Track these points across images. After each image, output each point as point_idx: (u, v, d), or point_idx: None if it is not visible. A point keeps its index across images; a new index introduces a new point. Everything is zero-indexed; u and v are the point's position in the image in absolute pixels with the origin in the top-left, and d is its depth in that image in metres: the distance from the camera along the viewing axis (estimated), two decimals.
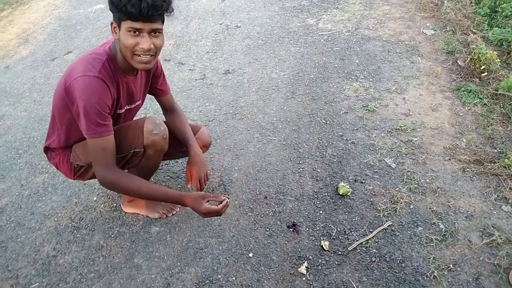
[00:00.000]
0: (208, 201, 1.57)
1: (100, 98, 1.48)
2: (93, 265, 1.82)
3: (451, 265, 1.64)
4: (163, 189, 1.67)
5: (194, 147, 1.86)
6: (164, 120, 1.97)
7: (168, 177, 2.22)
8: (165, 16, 1.48)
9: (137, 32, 1.44)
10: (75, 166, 1.77)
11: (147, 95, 1.88)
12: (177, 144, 1.92)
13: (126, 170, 1.82)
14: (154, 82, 1.84)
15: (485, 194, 1.91)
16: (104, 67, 1.52)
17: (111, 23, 1.48)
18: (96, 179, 1.71)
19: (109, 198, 2.15)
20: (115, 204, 2.10)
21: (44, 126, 2.78)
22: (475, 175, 2.00)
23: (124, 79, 1.62)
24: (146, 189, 1.58)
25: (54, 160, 1.80)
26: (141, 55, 1.49)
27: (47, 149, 1.81)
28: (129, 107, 1.75)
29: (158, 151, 1.74)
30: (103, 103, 1.50)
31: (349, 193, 1.98)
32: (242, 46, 3.35)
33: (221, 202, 1.57)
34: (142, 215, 2.01)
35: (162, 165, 2.28)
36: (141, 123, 1.68)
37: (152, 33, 1.46)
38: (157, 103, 1.97)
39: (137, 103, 1.79)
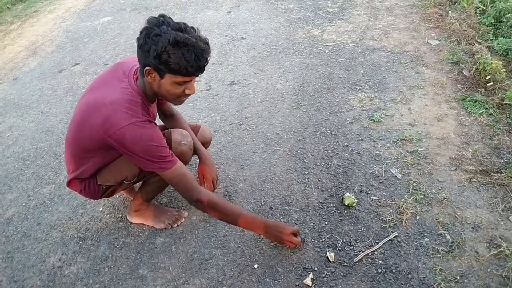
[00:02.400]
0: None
1: (158, 137, 1.52)
2: (98, 276, 1.83)
3: (458, 277, 1.62)
4: (252, 216, 1.78)
5: (202, 151, 1.96)
6: (164, 124, 2.01)
7: (173, 188, 2.22)
8: None
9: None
10: (103, 187, 1.79)
11: None
12: None
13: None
14: None
15: (492, 204, 1.89)
16: (143, 107, 1.54)
17: (146, 69, 1.45)
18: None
19: (115, 208, 2.16)
20: (120, 215, 2.11)
21: (51, 137, 2.81)
22: (482, 185, 1.99)
23: (151, 108, 1.66)
24: (243, 220, 1.69)
25: (78, 187, 1.79)
26: (184, 98, 1.57)
27: (70, 181, 1.79)
28: None
29: (184, 162, 1.78)
30: (160, 139, 1.54)
31: (354, 204, 1.97)
32: (247, 57, 3.38)
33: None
34: (148, 225, 2.01)
35: None
36: (169, 135, 1.73)
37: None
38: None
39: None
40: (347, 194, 2.01)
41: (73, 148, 1.67)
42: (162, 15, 1.44)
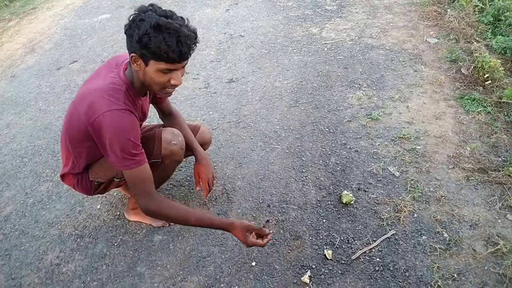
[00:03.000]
0: (251, 232, 1.55)
1: (133, 130, 1.48)
2: (96, 273, 1.83)
3: (455, 275, 1.62)
4: (209, 217, 1.62)
5: (199, 150, 1.91)
6: (163, 123, 2.00)
7: (171, 185, 2.22)
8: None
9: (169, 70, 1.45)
10: (95, 183, 1.77)
11: None
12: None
13: None
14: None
15: (490, 202, 1.89)
16: (126, 96, 1.50)
17: (131, 56, 1.42)
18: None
19: (113, 206, 2.15)
20: (118, 213, 2.11)
21: (49, 135, 2.80)
22: (479, 183, 1.99)
23: (139, 101, 1.63)
24: (193, 219, 1.57)
25: (71, 182, 1.79)
26: (170, 88, 1.51)
27: (64, 175, 1.79)
28: (141, 123, 1.77)
29: (175, 161, 1.79)
30: (136, 134, 1.50)
31: (352, 202, 1.97)
32: (246, 55, 3.37)
33: (265, 236, 1.56)
34: (145, 223, 2.01)
35: None
36: (159, 134, 1.71)
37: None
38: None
39: (147, 118, 1.83)
40: (345, 192, 2.01)
41: (65, 142, 1.66)
42: (151, 4, 1.42)
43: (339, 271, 1.70)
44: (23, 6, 5.34)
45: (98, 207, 2.16)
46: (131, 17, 1.40)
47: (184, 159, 2.18)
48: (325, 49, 3.28)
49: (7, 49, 4.25)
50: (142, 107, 1.68)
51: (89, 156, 1.68)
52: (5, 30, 4.73)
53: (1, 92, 3.48)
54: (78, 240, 2.00)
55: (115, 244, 1.95)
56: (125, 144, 1.45)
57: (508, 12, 3.06)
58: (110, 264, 1.86)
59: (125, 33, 1.41)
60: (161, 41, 1.34)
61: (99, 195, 2.07)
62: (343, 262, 1.73)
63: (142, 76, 1.48)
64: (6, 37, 4.55)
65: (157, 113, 2.00)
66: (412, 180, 2.05)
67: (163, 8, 1.42)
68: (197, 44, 1.44)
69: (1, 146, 2.78)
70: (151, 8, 1.40)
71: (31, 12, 5.15)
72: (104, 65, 1.66)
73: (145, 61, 1.42)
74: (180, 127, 1.90)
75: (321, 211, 1.97)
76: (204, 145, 2.10)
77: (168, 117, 1.98)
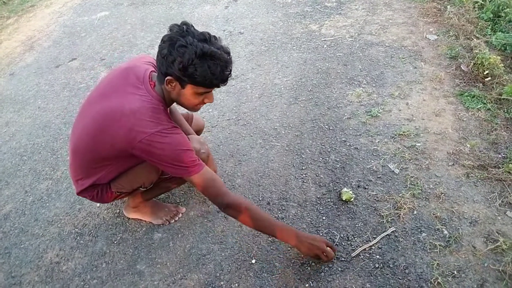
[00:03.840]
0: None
1: (185, 142, 1.51)
2: (96, 271, 1.83)
3: (455, 272, 1.62)
4: (283, 228, 1.67)
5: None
6: None
7: None
8: None
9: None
10: (117, 193, 1.77)
11: None
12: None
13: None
14: None
15: (490, 199, 1.89)
16: (165, 114, 1.52)
17: (167, 79, 1.43)
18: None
19: (112, 204, 2.15)
20: (118, 210, 2.11)
21: (48, 133, 2.80)
22: (479, 180, 1.99)
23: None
24: (280, 230, 1.63)
25: (90, 194, 1.75)
26: (201, 106, 1.57)
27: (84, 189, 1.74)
28: None
29: None
30: (187, 143, 1.52)
31: (352, 199, 1.97)
32: (245, 52, 3.36)
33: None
34: (145, 221, 2.01)
35: None
36: None
37: None
38: None
39: None
40: (345, 189, 2.01)
41: (86, 157, 1.62)
42: (185, 23, 1.41)
43: (339, 268, 1.70)
44: (22, 4, 5.33)
45: (98, 205, 2.16)
46: (168, 39, 1.39)
47: None
48: (325, 46, 3.27)
49: (6, 47, 4.24)
50: None
51: (116, 170, 1.67)
52: (4, 28, 4.72)
53: (0, 90, 3.47)
54: (78, 238, 2.00)
55: (115, 242, 1.95)
56: (184, 155, 1.49)
57: (508, 9, 3.05)
58: (110, 262, 1.86)
59: (164, 57, 1.40)
60: (207, 70, 1.37)
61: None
62: (343, 259, 1.73)
63: (175, 96, 1.51)
64: (4, 35, 4.54)
65: None
66: (412, 177, 2.05)
67: (194, 27, 1.43)
68: None
69: (0, 144, 2.78)
70: (187, 29, 1.39)
71: (30, 9, 5.14)
72: (121, 78, 1.59)
73: (182, 85, 1.44)
74: (176, 120, 1.88)
75: (320, 208, 1.97)
76: (199, 131, 2.16)
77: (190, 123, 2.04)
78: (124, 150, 1.51)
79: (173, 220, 2.00)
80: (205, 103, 1.56)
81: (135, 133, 1.44)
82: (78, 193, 1.75)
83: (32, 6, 5.21)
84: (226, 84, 1.47)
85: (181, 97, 1.50)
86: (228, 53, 1.43)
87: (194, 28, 1.42)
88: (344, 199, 1.96)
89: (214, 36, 1.43)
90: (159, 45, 1.42)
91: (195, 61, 1.35)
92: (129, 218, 2.04)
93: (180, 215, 2.02)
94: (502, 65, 2.60)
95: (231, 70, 1.44)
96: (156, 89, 1.55)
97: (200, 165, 1.53)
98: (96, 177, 1.67)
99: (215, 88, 1.49)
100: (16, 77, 3.63)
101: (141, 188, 1.79)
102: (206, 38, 1.39)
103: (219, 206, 1.59)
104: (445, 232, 1.78)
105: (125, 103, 1.48)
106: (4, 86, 3.51)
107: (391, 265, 1.68)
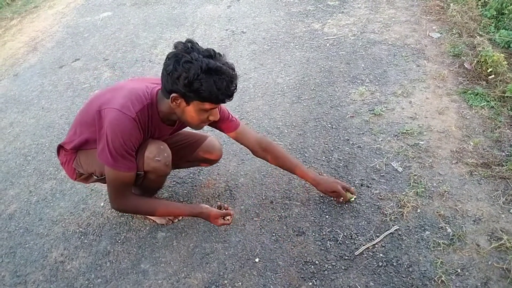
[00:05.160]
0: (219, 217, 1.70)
1: (129, 139, 1.50)
2: (100, 270, 1.83)
3: (459, 270, 1.62)
4: (177, 206, 1.80)
5: (310, 176, 1.91)
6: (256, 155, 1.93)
7: (174, 183, 2.23)
8: None
9: None
10: (76, 171, 1.80)
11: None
12: (184, 156, 1.95)
13: None
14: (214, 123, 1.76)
15: (493, 197, 1.89)
16: (142, 110, 1.52)
17: (172, 96, 1.43)
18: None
19: None
20: None
21: (52, 133, 2.81)
22: (483, 178, 1.98)
23: (157, 126, 1.63)
24: (164, 209, 1.73)
25: (62, 158, 1.81)
26: (205, 124, 1.58)
27: (60, 147, 1.81)
28: None
29: (159, 176, 1.75)
30: (130, 143, 1.52)
31: (353, 199, 1.96)
32: (248, 51, 3.37)
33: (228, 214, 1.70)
34: (149, 220, 2.02)
35: None
36: (145, 146, 1.64)
37: None
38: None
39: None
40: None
41: (76, 121, 1.70)
42: (189, 40, 1.42)
43: (343, 267, 1.70)
44: (25, 5, 5.35)
45: (102, 204, 2.17)
46: (173, 55, 1.40)
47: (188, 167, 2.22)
48: (327, 44, 3.27)
49: (10, 48, 4.26)
50: (159, 132, 1.68)
51: (83, 140, 1.68)
52: (7, 29, 4.75)
53: (4, 91, 3.49)
54: (82, 237, 2.01)
55: (119, 241, 1.96)
56: (118, 145, 1.48)
57: (511, 6, 3.04)
58: (114, 261, 1.87)
59: (169, 74, 1.40)
60: (212, 85, 1.37)
61: (84, 183, 2.02)
62: (347, 257, 1.73)
63: (180, 113, 1.51)
64: (8, 35, 4.56)
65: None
66: (415, 175, 2.04)
67: (198, 43, 1.44)
68: None
69: (5, 145, 2.80)
70: (192, 46, 1.40)
71: (33, 10, 5.16)
72: (149, 78, 1.73)
73: (187, 101, 1.45)
74: (283, 162, 1.91)
75: (324, 207, 1.97)
76: (210, 156, 2.02)
77: (262, 152, 1.89)
78: (93, 117, 1.54)
79: (177, 220, 2.00)
80: (210, 121, 1.55)
81: (106, 102, 1.52)
82: (57, 149, 1.83)
83: (36, 7, 5.24)
84: (231, 99, 1.46)
85: (185, 114, 1.50)
86: (233, 69, 1.44)
87: (198, 45, 1.43)
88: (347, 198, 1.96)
89: (219, 53, 1.44)
90: (164, 63, 1.43)
91: (200, 76, 1.35)
92: (133, 217, 2.05)
93: None
94: (505, 62, 2.59)
95: (236, 85, 1.44)
96: (159, 94, 1.56)
97: (125, 166, 1.53)
98: (70, 140, 1.72)
99: (220, 104, 1.51)
100: (20, 78, 3.65)
101: (93, 175, 1.76)
102: (211, 54, 1.40)
103: (110, 204, 1.68)
104: (449, 230, 1.77)
105: (132, 84, 1.61)
106: (8, 87, 3.53)
107: (394, 264, 1.68)
